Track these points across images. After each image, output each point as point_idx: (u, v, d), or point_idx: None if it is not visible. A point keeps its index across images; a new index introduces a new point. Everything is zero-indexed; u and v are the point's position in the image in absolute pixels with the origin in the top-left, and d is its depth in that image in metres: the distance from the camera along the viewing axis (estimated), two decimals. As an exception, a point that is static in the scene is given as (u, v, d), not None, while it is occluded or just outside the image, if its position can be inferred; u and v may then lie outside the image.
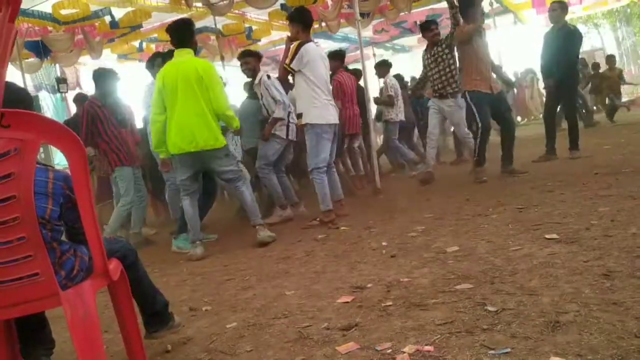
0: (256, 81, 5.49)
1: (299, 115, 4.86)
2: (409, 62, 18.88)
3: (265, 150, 5.34)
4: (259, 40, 11.85)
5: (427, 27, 6.35)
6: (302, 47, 4.71)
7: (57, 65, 10.53)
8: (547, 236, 3.05)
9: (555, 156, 6.36)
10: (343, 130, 6.47)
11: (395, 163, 8.03)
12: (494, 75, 5.95)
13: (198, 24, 10.01)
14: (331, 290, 2.79)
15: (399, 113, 7.45)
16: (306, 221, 4.98)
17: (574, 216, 3.42)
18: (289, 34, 5.01)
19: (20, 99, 1.88)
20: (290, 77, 5.29)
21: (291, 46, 4.81)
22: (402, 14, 10.52)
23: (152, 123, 4.41)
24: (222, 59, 10.19)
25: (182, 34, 4.34)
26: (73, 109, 12.02)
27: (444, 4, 10.98)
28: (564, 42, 6.28)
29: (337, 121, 4.97)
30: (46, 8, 8.08)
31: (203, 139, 4.17)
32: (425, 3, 10.75)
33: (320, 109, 4.72)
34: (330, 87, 5.01)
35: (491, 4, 11.03)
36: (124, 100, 6.09)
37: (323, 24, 10.59)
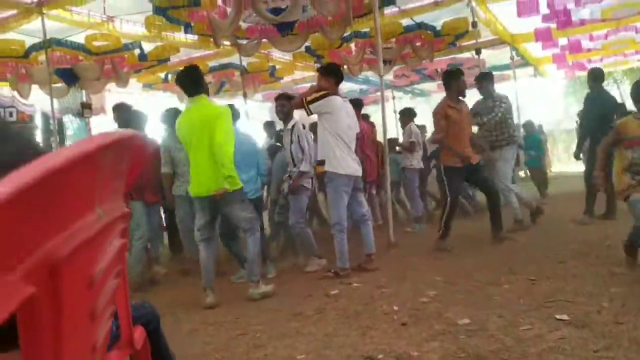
0: (288, 126, 5.56)
1: (321, 162, 4.90)
2: (426, 105, 19.03)
3: (297, 204, 5.37)
4: (282, 79, 12.09)
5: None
6: (328, 96, 4.81)
7: (84, 90, 10.79)
8: (557, 316, 3.08)
9: (614, 216, 6.32)
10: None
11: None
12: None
13: (224, 60, 10.31)
14: (342, 358, 2.83)
15: (419, 161, 7.54)
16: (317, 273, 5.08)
17: (586, 295, 3.45)
18: (319, 84, 5.04)
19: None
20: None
21: (319, 90, 4.92)
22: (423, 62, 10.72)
23: None
24: (245, 95, 10.44)
25: (193, 81, 4.39)
26: (97, 133, 12.32)
27: (466, 54, 11.31)
28: (592, 106, 6.49)
29: (357, 173, 4.97)
30: (79, 39, 8.37)
31: (214, 184, 4.20)
32: (447, 53, 10.95)
33: (339, 159, 4.77)
34: (353, 142, 5.03)
35: (512, 58, 11.20)
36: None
37: (345, 66, 10.82)
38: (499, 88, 14.67)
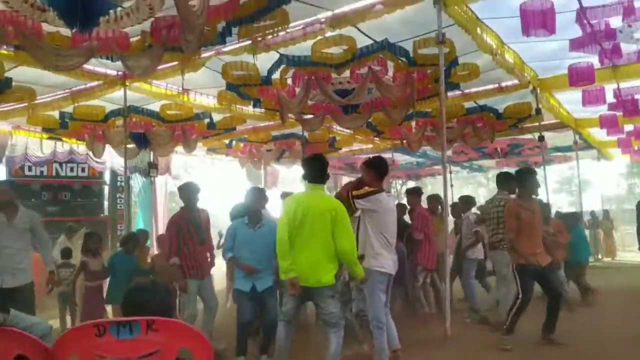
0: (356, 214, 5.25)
1: (361, 257, 4.70)
2: (482, 178, 18.73)
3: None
4: (340, 149, 12.37)
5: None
6: (376, 194, 4.71)
7: (152, 152, 11.32)
8: None
9: None
10: (423, 265, 6.52)
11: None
12: None
13: (287, 130, 10.66)
14: None
15: (476, 250, 7.33)
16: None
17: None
18: (364, 177, 4.99)
19: (163, 310, 2.05)
20: None
21: (366, 187, 4.80)
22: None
23: (280, 244, 4.32)
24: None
25: (320, 171, 4.49)
26: (160, 191, 12.87)
27: (527, 135, 11.27)
28: None
29: (392, 272, 4.77)
30: (154, 107, 8.91)
31: (313, 276, 4.21)
32: (508, 133, 10.93)
33: (379, 256, 4.65)
34: (394, 239, 4.89)
35: (575, 142, 11.11)
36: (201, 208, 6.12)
37: (404, 141, 11.00)
38: (561, 169, 14.47)
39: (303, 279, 4.23)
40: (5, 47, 5.90)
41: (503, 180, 6.58)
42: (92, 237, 6.81)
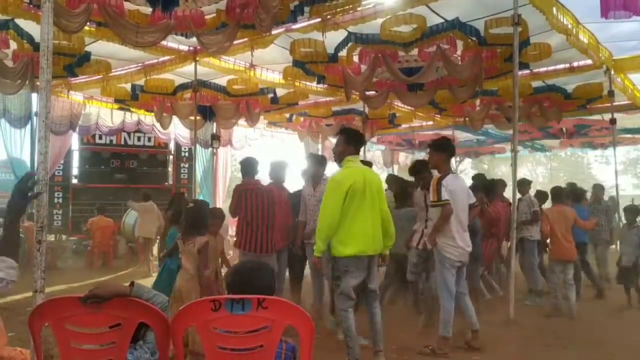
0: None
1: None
2: (542, 157, 18.06)
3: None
4: (400, 125, 12.32)
5: None
6: (441, 181, 4.72)
7: (215, 124, 11.60)
8: None
9: None
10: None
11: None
12: None
13: (348, 106, 10.69)
14: None
15: (537, 231, 7.20)
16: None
17: None
18: (430, 159, 5.09)
19: (267, 288, 2.16)
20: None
21: (431, 185, 4.83)
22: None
23: (332, 221, 4.25)
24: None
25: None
26: (221, 163, 13.25)
27: (595, 117, 10.90)
28: None
29: (462, 258, 4.81)
30: (221, 82, 9.13)
31: (380, 244, 4.37)
32: (575, 114, 10.59)
33: (449, 240, 4.72)
34: (467, 219, 4.94)
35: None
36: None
37: (467, 118, 10.83)
38: (627, 150, 13.90)
39: (373, 249, 4.39)
40: (88, 23, 6.15)
41: None
42: None
